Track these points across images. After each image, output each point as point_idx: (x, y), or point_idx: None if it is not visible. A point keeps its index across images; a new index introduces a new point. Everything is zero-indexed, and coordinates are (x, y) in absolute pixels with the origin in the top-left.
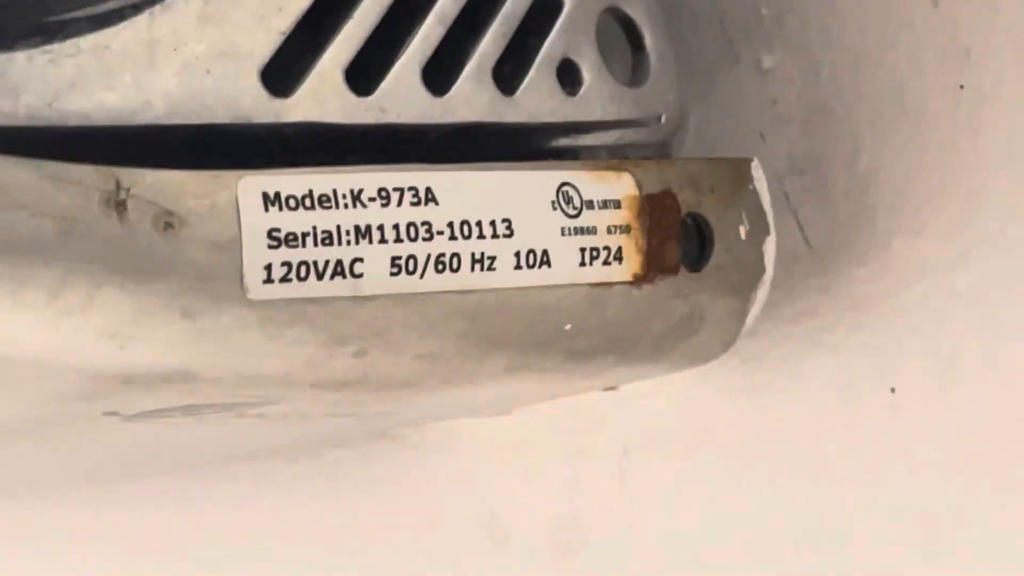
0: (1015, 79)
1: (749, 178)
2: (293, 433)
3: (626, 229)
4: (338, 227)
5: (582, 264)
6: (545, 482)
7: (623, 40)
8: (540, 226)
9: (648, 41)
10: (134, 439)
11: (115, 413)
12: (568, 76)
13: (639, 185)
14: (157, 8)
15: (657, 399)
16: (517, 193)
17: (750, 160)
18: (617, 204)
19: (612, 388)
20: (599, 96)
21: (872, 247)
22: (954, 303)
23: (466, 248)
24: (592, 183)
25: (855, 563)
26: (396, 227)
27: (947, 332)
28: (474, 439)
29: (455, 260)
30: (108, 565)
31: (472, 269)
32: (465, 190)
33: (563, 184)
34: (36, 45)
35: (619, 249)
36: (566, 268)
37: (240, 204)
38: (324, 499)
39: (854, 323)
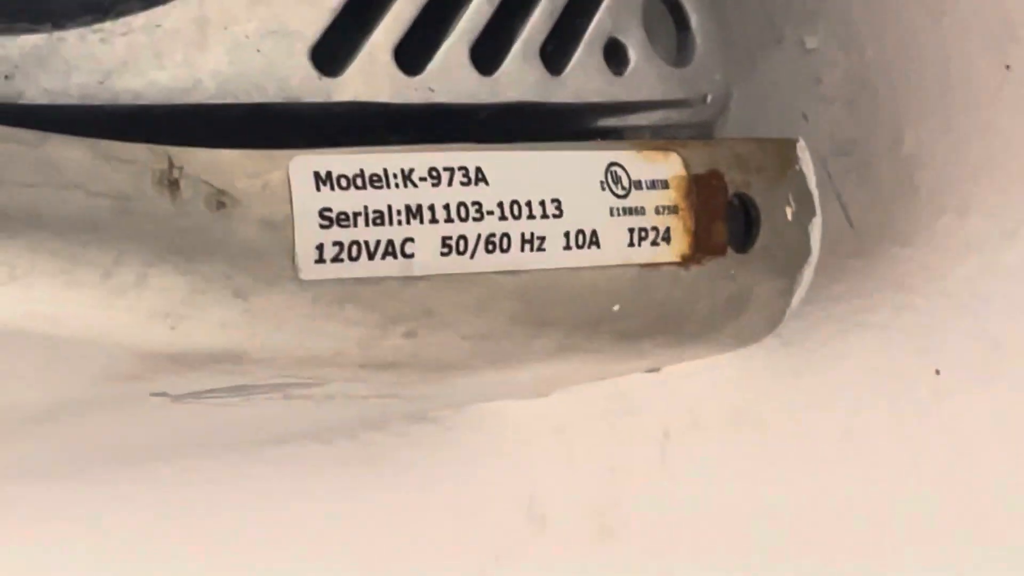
0: None
1: (795, 159)
2: (333, 415)
3: (674, 210)
4: (389, 207)
5: (631, 245)
6: (585, 464)
7: (667, 19)
8: (589, 206)
9: (694, 21)
10: (177, 420)
11: (163, 394)
12: (615, 56)
13: (687, 165)
14: None
15: (698, 381)
16: (566, 173)
17: (796, 140)
18: (665, 184)
19: (655, 370)
20: (645, 76)
21: (916, 227)
22: (1000, 283)
23: (516, 228)
24: (640, 163)
25: (898, 545)
26: (447, 207)
27: (992, 312)
28: (513, 421)
29: (505, 240)
30: (144, 544)
31: (522, 249)
32: (515, 170)
33: (611, 164)
34: (88, 23)
35: (667, 230)
36: (615, 249)
37: (292, 183)
38: (361, 481)
39: (898, 304)
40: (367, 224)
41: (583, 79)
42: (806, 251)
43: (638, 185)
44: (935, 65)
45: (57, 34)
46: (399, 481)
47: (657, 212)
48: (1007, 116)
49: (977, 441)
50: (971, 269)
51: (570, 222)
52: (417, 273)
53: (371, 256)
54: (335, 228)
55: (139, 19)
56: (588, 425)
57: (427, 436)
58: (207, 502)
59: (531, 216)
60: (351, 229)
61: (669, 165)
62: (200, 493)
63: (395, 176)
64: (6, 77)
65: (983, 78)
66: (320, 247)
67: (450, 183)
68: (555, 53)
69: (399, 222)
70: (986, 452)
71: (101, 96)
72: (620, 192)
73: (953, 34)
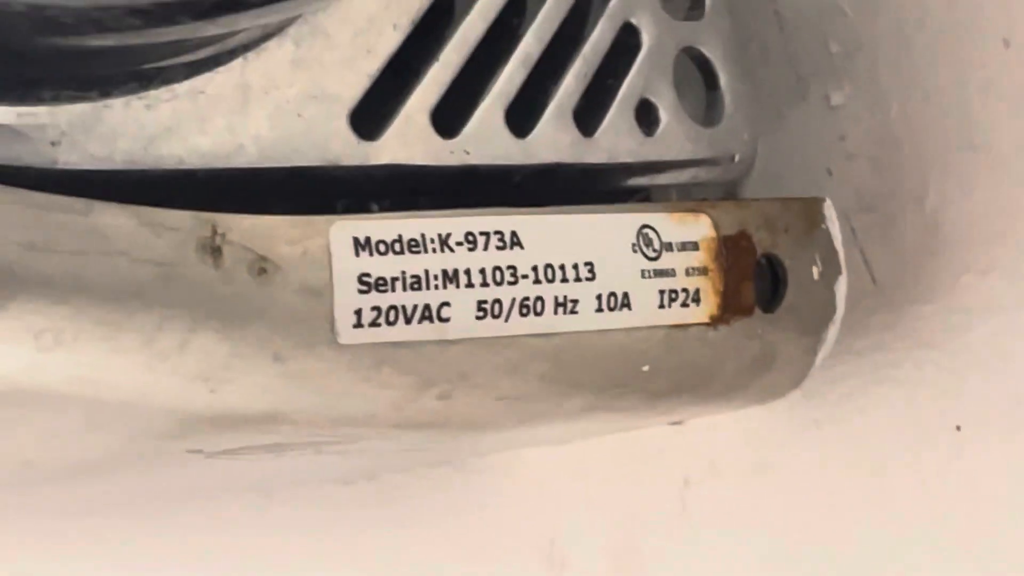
0: None
1: (822, 218)
2: (358, 462)
3: (703, 271)
4: (426, 271)
5: (661, 306)
6: (605, 510)
7: (696, 78)
8: (621, 269)
9: (723, 81)
10: (208, 471)
11: (199, 451)
12: (646, 116)
13: (716, 227)
14: (251, 53)
15: (719, 431)
16: (599, 236)
17: (823, 200)
18: (695, 246)
19: (678, 422)
20: (676, 136)
21: (939, 284)
22: (1020, 341)
23: (550, 292)
24: (671, 225)
25: None
26: (483, 271)
27: (1014, 370)
28: (534, 465)
29: (539, 304)
30: None
31: (555, 312)
32: (549, 234)
33: (643, 227)
34: (133, 91)
35: (697, 291)
36: (646, 310)
37: (332, 249)
38: (382, 522)
39: (920, 360)
40: (404, 289)
41: (615, 140)
42: (831, 309)
43: (669, 247)
44: (959, 123)
45: (103, 101)
46: (419, 523)
47: (687, 274)
48: None
49: (998, 497)
50: (993, 327)
51: (602, 285)
52: (452, 337)
53: (408, 320)
54: (373, 293)
55: (183, 86)
56: (608, 471)
57: (448, 479)
58: (225, 541)
59: (564, 279)
60: (389, 294)
61: (699, 227)
62: (221, 531)
63: (432, 241)
64: (53, 143)
65: (1007, 137)
66: (358, 312)
67: (486, 247)
68: (587, 114)
69: (436, 287)
70: (1007, 508)
71: (145, 161)
72: (651, 254)
73: (978, 93)
